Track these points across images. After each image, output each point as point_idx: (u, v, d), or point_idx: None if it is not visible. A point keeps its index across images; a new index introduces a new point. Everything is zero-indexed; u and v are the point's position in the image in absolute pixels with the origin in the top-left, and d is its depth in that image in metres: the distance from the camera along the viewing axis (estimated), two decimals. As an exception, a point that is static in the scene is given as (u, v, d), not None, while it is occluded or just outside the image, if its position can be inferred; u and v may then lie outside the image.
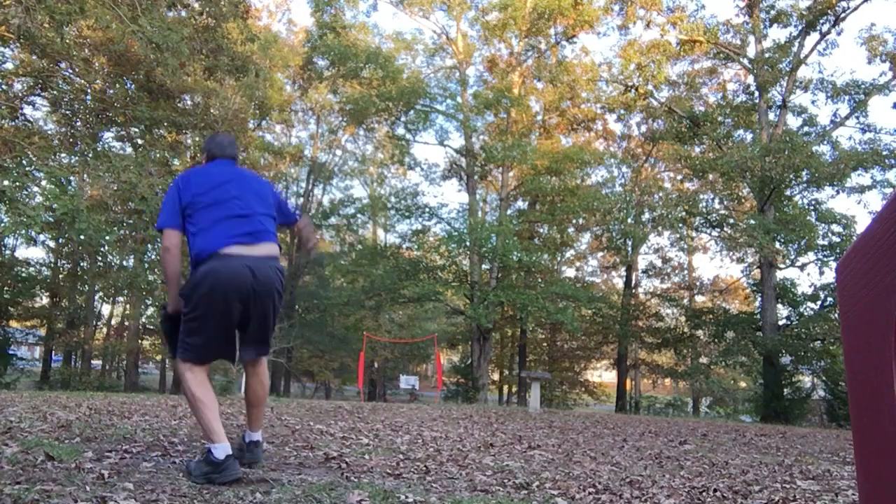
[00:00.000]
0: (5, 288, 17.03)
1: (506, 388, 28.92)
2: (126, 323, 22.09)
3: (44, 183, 11.86)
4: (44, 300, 20.06)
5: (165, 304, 2.85)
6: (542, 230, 22.42)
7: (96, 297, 20.92)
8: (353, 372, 26.53)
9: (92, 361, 20.34)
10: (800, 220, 16.21)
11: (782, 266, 17.04)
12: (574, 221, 21.21)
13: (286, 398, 10.31)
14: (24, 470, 2.32)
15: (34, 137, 12.60)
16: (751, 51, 17.66)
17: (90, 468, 2.45)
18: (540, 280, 20.13)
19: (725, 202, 19.20)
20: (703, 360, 19.97)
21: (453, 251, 18.54)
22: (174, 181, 2.82)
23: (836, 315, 13.86)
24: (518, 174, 20.08)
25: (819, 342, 15.80)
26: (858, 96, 16.65)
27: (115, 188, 12.52)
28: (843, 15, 16.07)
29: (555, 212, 18.77)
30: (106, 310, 25.11)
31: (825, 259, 16.41)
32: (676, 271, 26.22)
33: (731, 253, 20.24)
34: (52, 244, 18.17)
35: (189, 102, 15.81)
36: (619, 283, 25.94)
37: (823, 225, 16.85)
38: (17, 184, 10.81)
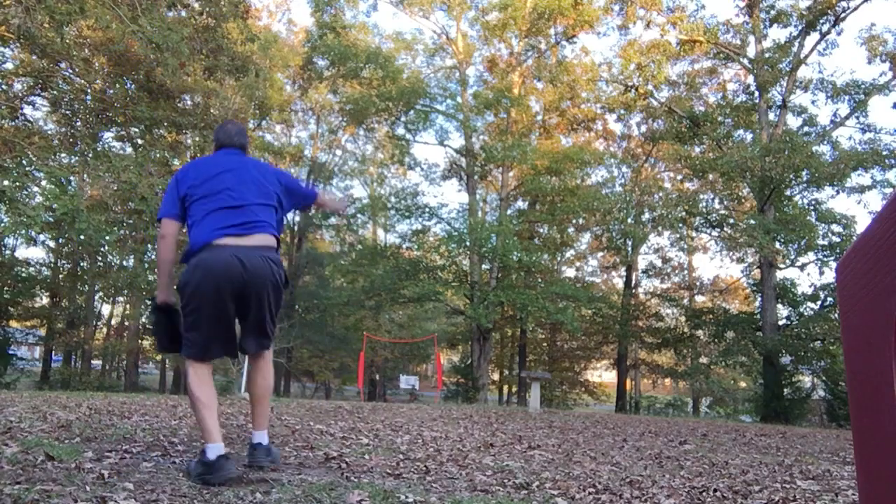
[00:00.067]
0: (5, 288, 17.04)
1: (506, 388, 28.92)
2: (126, 323, 22.10)
3: (44, 183, 11.86)
4: (44, 300, 20.07)
5: (155, 295, 2.84)
6: (542, 230, 22.42)
7: (96, 297, 20.93)
8: (353, 372, 26.54)
9: (92, 361, 20.34)
10: (800, 220, 16.21)
11: (782, 266, 17.04)
12: (574, 221, 21.21)
13: (286, 398, 10.31)
14: (24, 470, 2.32)
15: (34, 137, 12.60)
16: (751, 51, 17.68)
17: (90, 468, 2.45)
18: (540, 280, 20.13)
19: (725, 202, 19.20)
20: (703, 360, 19.97)
21: (453, 251, 18.54)
22: (175, 173, 2.83)
23: (836, 315, 13.86)
24: (518, 174, 20.09)
25: (819, 342, 15.80)
26: (858, 96, 16.65)
27: (115, 188, 12.52)
28: (843, 15, 16.08)
29: (555, 212, 18.78)
30: (106, 310, 25.15)
31: (825, 259, 16.42)
32: (676, 271, 26.24)
33: (731, 253, 20.25)
34: (52, 244, 18.18)
35: (189, 102, 15.81)
36: (619, 283, 25.96)
37: (823, 225, 16.85)
38: (17, 184, 10.82)
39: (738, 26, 17.53)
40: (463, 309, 19.78)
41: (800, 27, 16.71)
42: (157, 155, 14.81)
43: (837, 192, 16.95)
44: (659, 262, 25.21)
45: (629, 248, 21.30)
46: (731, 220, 18.13)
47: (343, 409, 6.70)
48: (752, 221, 16.12)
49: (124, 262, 17.10)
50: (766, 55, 16.84)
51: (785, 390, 15.78)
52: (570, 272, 26.39)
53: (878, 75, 18.12)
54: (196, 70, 13.82)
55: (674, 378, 22.55)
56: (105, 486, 2.18)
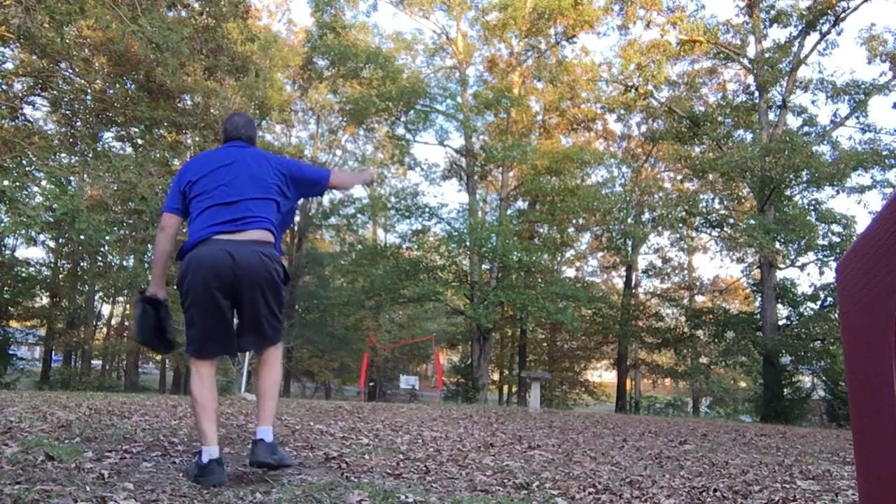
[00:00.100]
0: (5, 288, 17.04)
1: (506, 388, 28.92)
2: (126, 323, 22.11)
3: (44, 183, 11.86)
4: (44, 300, 20.07)
5: (144, 288, 2.83)
6: (542, 230, 22.42)
7: (96, 297, 20.93)
8: (352, 372, 26.54)
9: (92, 361, 20.35)
10: (800, 220, 16.21)
11: (782, 266, 17.04)
12: (574, 221, 21.21)
13: (286, 398, 10.31)
14: (24, 470, 2.32)
15: (34, 137, 12.60)
16: (751, 51, 17.67)
17: (90, 468, 2.45)
18: (540, 280, 20.13)
19: (725, 202, 19.20)
20: (703, 360, 19.97)
21: (453, 251, 18.53)
22: (181, 166, 2.80)
23: (836, 315, 13.85)
24: (518, 174, 20.09)
25: (819, 342, 15.80)
26: (858, 96, 16.65)
27: (115, 188, 12.52)
28: (843, 15, 16.08)
29: (555, 212, 18.77)
30: (106, 310, 25.14)
31: (825, 259, 16.42)
32: (676, 271, 26.24)
33: (731, 253, 20.25)
34: (52, 244, 18.18)
35: (189, 102, 15.81)
36: (619, 283, 25.96)
37: (823, 225, 16.85)
38: (17, 184, 10.81)
39: (738, 26, 17.53)
40: (463, 309, 19.78)
41: (800, 27, 16.71)
42: (157, 155, 14.80)
43: (837, 192, 16.96)
44: (659, 262, 25.23)
45: (629, 248, 21.30)
46: (731, 220, 18.12)
47: (343, 409, 6.70)
48: (752, 221, 16.12)
49: (124, 262, 17.10)
50: (766, 55, 16.84)
51: (785, 390, 15.78)
52: (570, 272, 26.41)
53: (878, 75, 18.14)
54: (196, 70, 13.81)
55: (674, 378, 22.55)
56: (105, 486, 2.18)
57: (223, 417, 4.73)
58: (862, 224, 16.25)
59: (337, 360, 26.06)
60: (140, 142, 15.23)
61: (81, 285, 18.84)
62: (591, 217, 19.64)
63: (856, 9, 15.87)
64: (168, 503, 2.06)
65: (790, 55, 16.71)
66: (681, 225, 20.76)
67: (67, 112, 14.04)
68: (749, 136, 18.09)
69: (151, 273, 2.87)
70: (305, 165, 2.96)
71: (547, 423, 6.95)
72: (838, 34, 16.76)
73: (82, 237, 11.89)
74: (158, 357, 23.94)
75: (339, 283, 24.39)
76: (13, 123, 13.02)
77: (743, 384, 23.31)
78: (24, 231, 11.12)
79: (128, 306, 21.15)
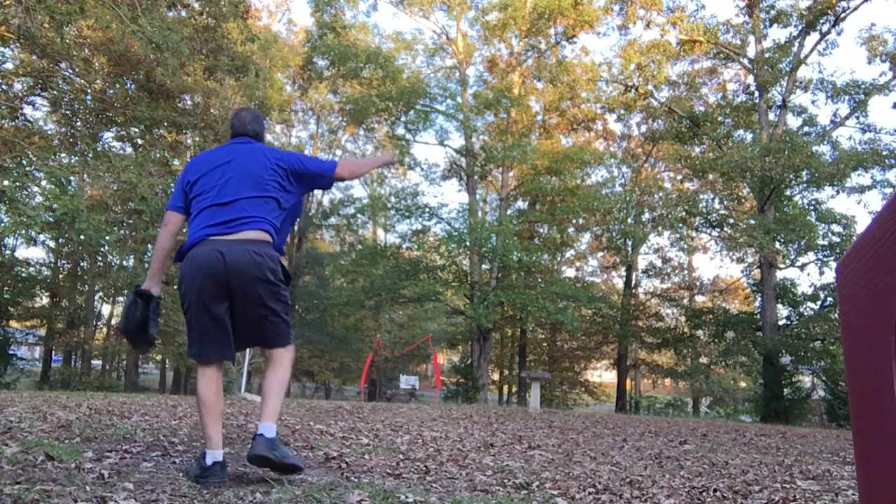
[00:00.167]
0: (5, 288, 17.03)
1: (506, 388, 28.92)
2: (126, 323, 22.02)
3: (44, 183, 11.86)
4: (44, 300, 20.06)
5: (140, 283, 2.82)
6: (542, 230, 22.42)
7: (96, 297, 20.91)
8: (353, 372, 26.53)
9: (92, 361, 20.32)
10: (800, 220, 16.21)
11: (782, 266, 17.04)
12: (574, 221, 21.21)
13: (286, 398, 10.30)
14: (24, 470, 2.32)
15: (34, 137, 12.60)
16: (751, 51, 17.68)
17: (90, 468, 2.45)
18: (540, 280, 20.13)
19: (725, 202, 19.20)
20: (703, 360, 19.97)
21: (453, 251, 18.54)
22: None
23: (836, 315, 13.86)
24: (518, 174, 20.09)
25: (819, 342, 15.80)
26: (858, 96, 16.65)
27: (115, 188, 12.52)
28: (843, 15, 16.08)
29: (555, 212, 18.77)
30: (106, 310, 25.10)
31: (825, 259, 16.42)
32: (676, 271, 26.24)
33: (731, 253, 20.24)
34: (52, 244, 18.17)
35: (189, 102, 15.81)
36: (619, 283, 25.96)
37: (823, 225, 16.85)
38: (17, 184, 10.81)
39: (738, 26, 17.54)
40: (463, 309, 19.78)
41: (800, 27, 16.71)
42: (157, 155, 14.80)
43: (837, 192, 16.96)
44: (659, 262, 25.23)
45: (629, 248, 21.30)
46: (731, 220, 18.12)
47: (343, 409, 6.70)
48: (752, 221, 16.12)
49: (124, 262, 17.09)
50: (766, 55, 16.84)
51: (785, 390, 15.78)
52: (570, 272, 26.41)
53: (878, 75, 18.15)
54: (196, 70, 13.81)
55: (674, 378, 22.55)
56: (105, 486, 2.18)
57: (223, 417, 4.73)
58: (862, 224, 16.27)
59: (337, 360, 26.06)
60: (140, 142, 15.23)
61: (81, 285, 18.83)
62: (591, 217, 19.64)
63: (856, 9, 15.88)
64: (168, 503, 2.06)
65: (790, 55, 16.71)
66: (681, 225, 20.76)
67: (67, 112, 14.04)
68: (749, 136, 18.10)
69: (149, 268, 2.86)
70: (308, 158, 2.87)
71: (547, 423, 6.95)
72: (838, 34, 16.79)
73: (82, 237, 11.89)
74: (158, 357, 23.95)
75: (339, 283, 24.40)
76: (13, 123, 13.02)
77: (743, 384, 23.31)
78: (24, 231, 11.12)
79: (128, 306, 21.09)
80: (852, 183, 16.72)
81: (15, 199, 10.45)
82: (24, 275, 17.83)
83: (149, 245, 14.65)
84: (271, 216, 2.65)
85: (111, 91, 13.97)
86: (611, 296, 23.71)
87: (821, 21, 16.25)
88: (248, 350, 9.41)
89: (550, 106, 21.56)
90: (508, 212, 20.51)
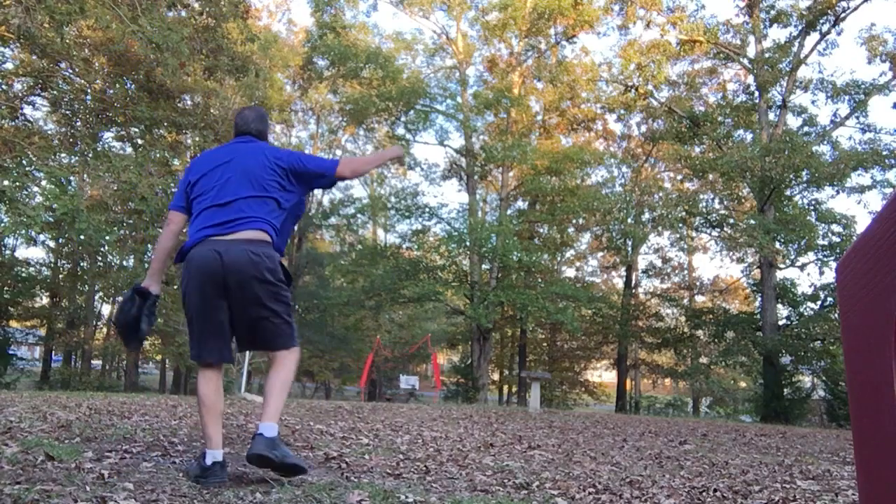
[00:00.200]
0: (5, 288, 17.02)
1: (506, 388, 28.91)
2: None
3: (44, 183, 11.86)
4: (44, 300, 20.05)
5: (139, 281, 2.82)
6: (542, 230, 22.42)
7: (96, 297, 20.90)
8: (352, 372, 26.52)
9: (92, 361, 20.32)
10: (800, 220, 16.21)
11: (782, 266, 17.04)
12: (574, 221, 21.21)
13: (286, 398, 10.29)
14: (24, 470, 2.31)
15: (34, 137, 12.60)
16: (751, 51, 17.68)
17: (90, 468, 2.45)
18: (540, 280, 20.13)
19: (725, 202, 19.20)
20: (703, 360, 19.97)
21: (453, 251, 18.54)
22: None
23: (836, 315, 13.86)
24: (518, 174, 20.09)
25: (819, 342, 15.80)
26: (858, 96, 16.65)
27: (115, 188, 12.52)
28: (843, 15, 16.08)
29: (555, 212, 18.77)
30: (106, 310, 25.09)
31: (825, 259, 16.42)
32: (676, 271, 26.24)
33: (731, 253, 20.25)
34: (52, 244, 18.17)
35: (189, 102, 15.81)
36: (619, 283, 25.96)
37: (823, 225, 16.86)
38: (17, 184, 10.82)
39: (738, 26, 17.54)
40: (463, 309, 19.78)
41: (800, 27, 16.71)
42: (157, 155, 14.80)
43: (837, 192, 16.97)
44: (659, 262, 25.23)
45: (629, 248, 21.30)
46: (731, 220, 18.13)
47: (343, 409, 6.70)
48: (752, 221, 16.12)
49: (124, 262, 17.09)
50: (766, 55, 16.84)
51: (785, 390, 15.78)
52: (570, 272, 26.41)
53: (878, 75, 18.15)
54: (196, 70, 13.81)
55: (674, 378, 22.55)
56: (105, 486, 2.18)
57: (223, 417, 4.73)
58: (862, 224, 16.27)
59: (337, 360, 26.05)
60: (140, 142, 15.23)
61: (81, 285, 18.83)
62: (591, 217, 19.64)
63: (856, 9, 15.89)
64: (168, 503, 2.06)
65: (790, 55, 16.71)
66: (681, 225, 20.76)
67: (67, 112, 14.05)
68: (749, 136, 18.10)
69: (150, 267, 2.86)
70: (309, 157, 2.84)
71: (547, 423, 6.95)
72: (838, 34, 16.80)
73: (82, 237, 11.89)
74: (158, 357, 23.95)
75: (339, 283, 24.39)
76: (13, 123, 13.02)
77: (743, 384, 23.30)
78: (24, 231, 11.12)
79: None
80: (852, 183, 16.75)
81: (15, 199, 10.46)
82: (24, 275, 17.83)
83: (149, 245, 14.65)
84: (271, 216, 2.62)
85: (111, 91, 13.97)
86: (611, 296, 23.71)
87: (821, 21, 16.25)
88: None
89: (550, 106, 21.56)
90: (508, 212, 20.51)
